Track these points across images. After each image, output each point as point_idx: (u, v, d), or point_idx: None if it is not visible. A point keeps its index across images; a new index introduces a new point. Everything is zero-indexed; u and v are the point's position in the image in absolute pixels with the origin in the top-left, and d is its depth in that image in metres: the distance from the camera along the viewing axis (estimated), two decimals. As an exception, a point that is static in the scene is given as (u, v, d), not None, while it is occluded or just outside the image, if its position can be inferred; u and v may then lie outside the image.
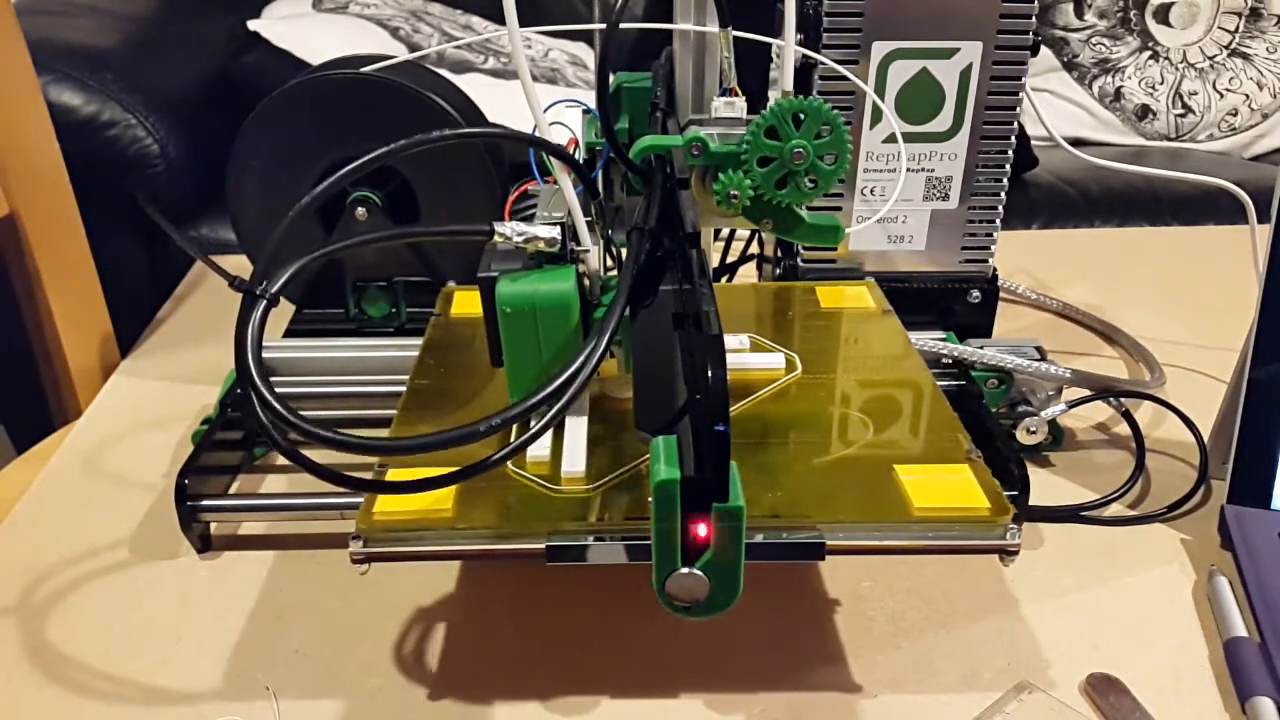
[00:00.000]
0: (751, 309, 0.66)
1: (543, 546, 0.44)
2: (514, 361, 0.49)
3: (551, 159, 0.48)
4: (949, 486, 0.46)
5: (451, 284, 0.67)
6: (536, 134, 0.47)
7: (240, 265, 0.94)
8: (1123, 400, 0.68)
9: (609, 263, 0.53)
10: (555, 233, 0.48)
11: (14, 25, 0.72)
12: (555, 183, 0.48)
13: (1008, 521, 0.44)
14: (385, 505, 0.45)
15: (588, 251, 0.49)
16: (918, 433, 0.51)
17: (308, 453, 0.40)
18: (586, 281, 0.49)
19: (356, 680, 0.50)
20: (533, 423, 0.41)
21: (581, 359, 0.41)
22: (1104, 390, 0.67)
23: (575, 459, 0.48)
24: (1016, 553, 0.44)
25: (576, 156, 0.50)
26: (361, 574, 0.44)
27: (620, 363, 0.53)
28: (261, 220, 0.73)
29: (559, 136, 0.50)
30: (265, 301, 0.41)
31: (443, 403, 0.55)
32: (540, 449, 0.48)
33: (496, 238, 0.48)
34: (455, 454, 0.41)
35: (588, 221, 0.48)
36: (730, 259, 0.82)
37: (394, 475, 0.46)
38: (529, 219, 0.50)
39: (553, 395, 0.40)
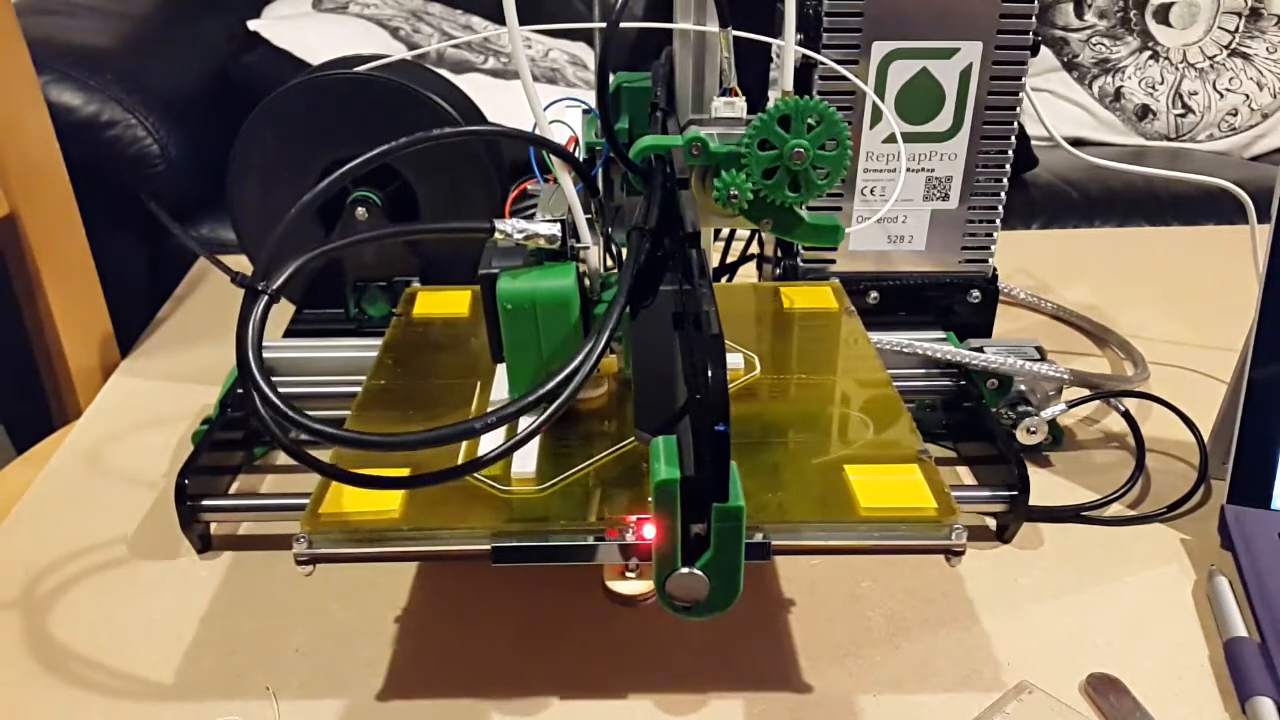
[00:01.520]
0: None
1: (488, 548, 0.44)
2: (514, 357, 0.49)
3: (551, 157, 0.48)
4: (897, 487, 0.46)
5: (415, 284, 0.67)
6: (537, 132, 0.47)
7: (240, 265, 0.94)
8: (1122, 400, 0.68)
9: (609, 260, 0.53)
10: (555, 229, 0.48)
11: (14, 25, 0.72)
12: (555, 181, 0.48)
13: (954, 522, 0.44)
14: (331, 506, 0.45)
15: (588, 248, 0.49)
16: (870, 433, 0.51)
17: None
18: (586, 279, 0.49)
19: (357, 680, 0.50)
20: (522, 424, 0.41)
21: (576, 362, 0.41)
22: (1103, 390, 0.67)
23: (525, 460, 0.48)
24: (962, 553, 0.44)
25: (576, 155, 0.50)
26: (306, 575, 0.44)
27: (620, 358, 0.53)
28: (261, 220, 0.73)
29: (559, 135, 0.50)
30: (266, 297, 0.41)
31: (400, 404, 0.55)
32: (490, 444, 0.48)
33: (497, 235, 0.48)
34: (410, 455, 0.41)
35: (588, 219, 0.48)
36: (730, 259, 0.82)
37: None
38: (529, 218, 0.50)
39: (546, 397, 0.40)
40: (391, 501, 0.45)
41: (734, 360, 0.57)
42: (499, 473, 0.47)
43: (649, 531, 0.38)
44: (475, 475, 0.47)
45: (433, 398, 0.55)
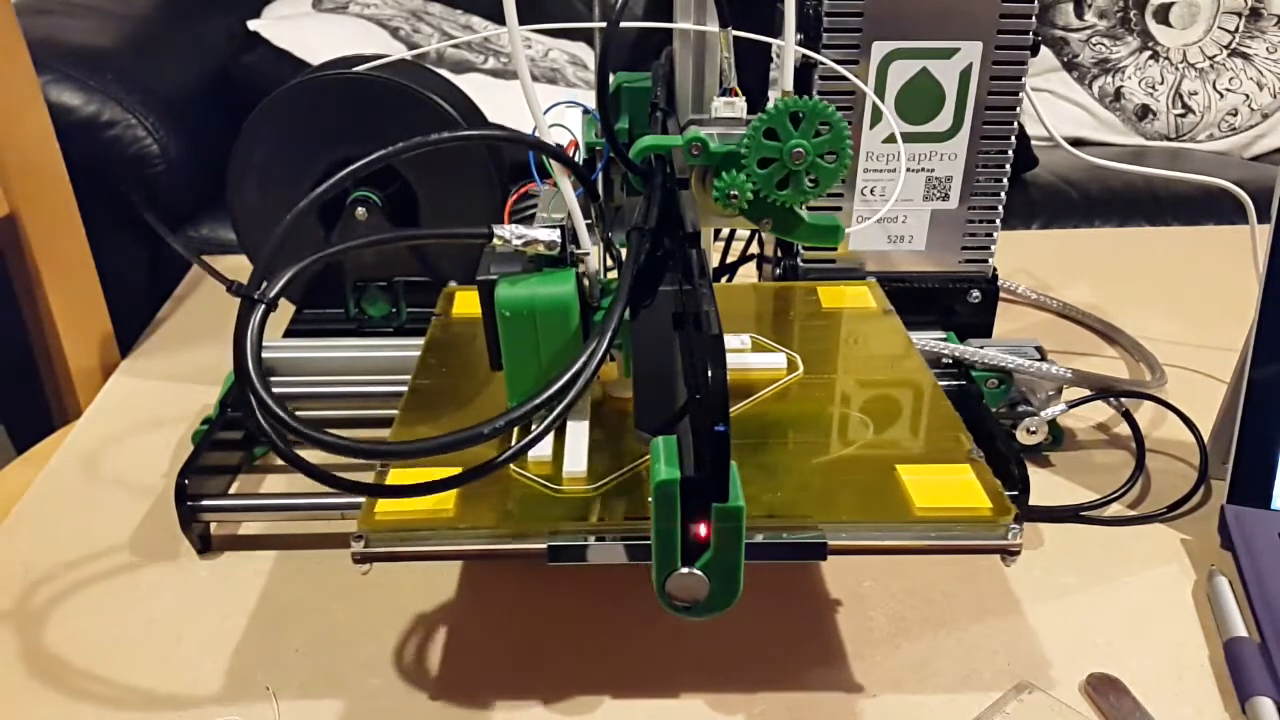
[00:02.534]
0: (752, 309, 0.66)
1: (544, 547, 0.44)
2: (513, 365, 0.48)
3: (551, 161, 0.47)
4: (951, 486, 0.46)
5: (453, 284, 0.67)
6: (536, 136, 0.46)
7: (239, 265, 0.94)
8: (1123, 400, 0.68)
9: (609, 264, 0.52)
10: (555, 236, 0.47)
11: (14, 25, 0.72)
12: (555, 185, 0.48)
13: (1009, 521, 0.44)
14: (387, 505, 0.45)
15: (587, 254, 0.48)
16: (919, 433, 0.51)
17: (307, 452, 0.40)
18: (586, 284, 0.49)
19: (356, 680, 0.50)
20: (534, 424, 0.41)
21: (583, 359, 0.41)
22: (1104, 390, 0.67)
23: (576, 459, 0.48)
24: (1018, 553, 0.44)
25: (576, 158, 0.50)
26: (363, 574, 0.44)
27: (620, 366, 0.53)
28: (261, 220, 0.73)
29: (559, 138, 0.49)
30: (264, 306, 0.40)
31: (444, 402, 0.55)
32: (542, 449, 0.48)
33: (496, 241, 0.47)
34: (457, 455, 0.41)
35: (587, 224, 0.48)
36: (730, 259, 0.82)
37: (396, 477, 0.46)
38: (529, 220, 0.50)
39: (555, 396, 0.40)
40: (445, 500, 0.45)
41: (777, 360, 0.57)
42: (550, 471, 0.48)
43: (703, 530, 0.38)
44: (526, 474, 0.47)
45: (477, 396, 0.55)
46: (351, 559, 0.44)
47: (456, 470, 0.42)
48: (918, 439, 0.51)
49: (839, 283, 0.68)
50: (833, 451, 0.50)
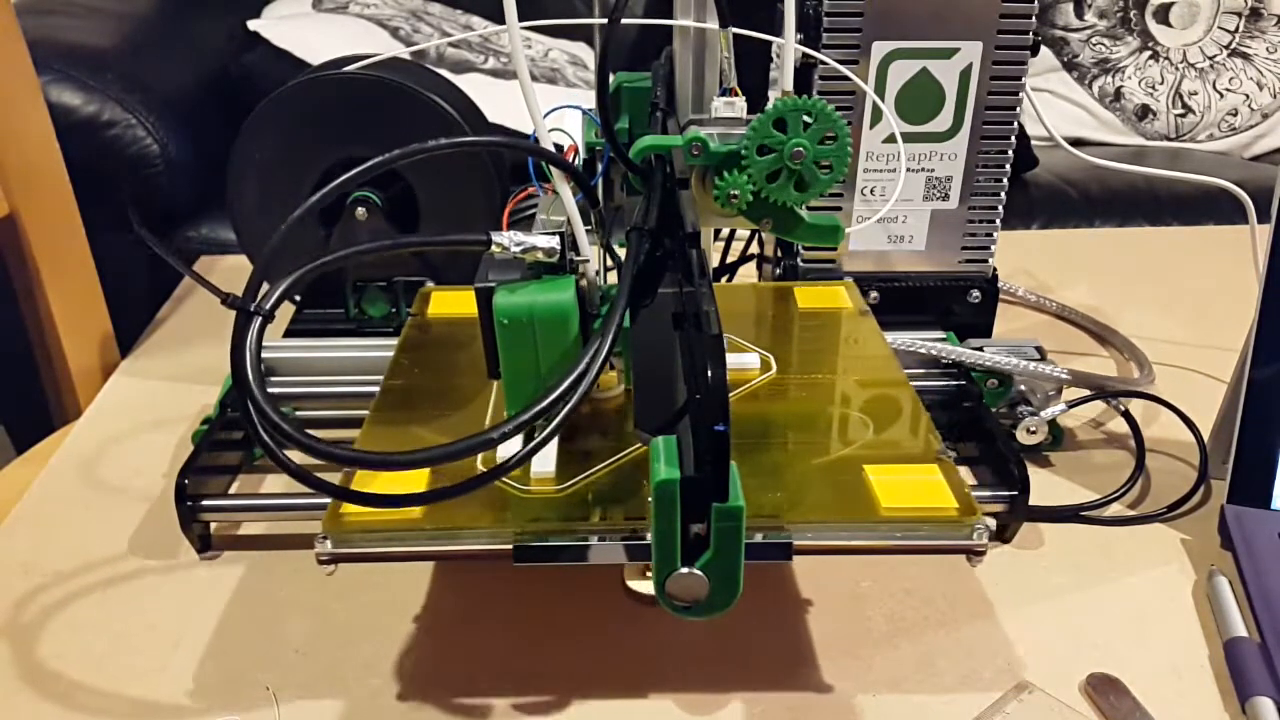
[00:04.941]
0: (729, 309, 0.66)
1: (511, 547, 0.44)
2: (511, 373, 0.48)
3: (551, 167, 0.47)
4: (918, 487, 0.46)
5: (430, 284, 0.67)
6: (536, 140, 0.46)
7: (240, 265, 0.94)
8: (1122, 400, 0.68)
9: (608, 265, 0.52)
10: (554, 243, 0.47)
11: (14, 25, 0.72)
12: (554, 191, 0.48)
13: (975, 522, 0.44)
14: (353, 507, 0.45)
15: (587, 261, 0.48)
16: (889, 433, 0.51)
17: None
18: (585, 290, 0.49)
19: (356, 680, 0.50)
20: (534, 433, 0.41)
21: (584, 363, 0.41)
22: (1103, 390, 0.67)
23: (545, 460, 0.48)
24: (984, 553, 0.44)
25: (576, 163, 0.49)
26: (328, 574, 0.44)
27: (620, 375, 0.53)
28: (261, 220, 0.73)
29: (558, 141, 0.49)
30: (261, 318, 0.40)
31: (417, 403, 0.55)
32: (509, 449, 0.47)
33: (494, 247, 0.47)
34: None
35: (587, 230, 0.48)
36: (730, 259, 0.82)
37: (383, 482, 0.46)
38: (529, 220, 0.50)
39: (557, 402, 0.40)
40: None
41: (750, 360, 0.57)
42: (519, 473, 0.47)
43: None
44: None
45: (450, 398, 0.55)
46: (316, 559, 0.44)
47: (427, 473, 0.42)
48: (887, 439, 0.51)
49: (816, 283, 0.68)
50: (802, 451, 0.50)
